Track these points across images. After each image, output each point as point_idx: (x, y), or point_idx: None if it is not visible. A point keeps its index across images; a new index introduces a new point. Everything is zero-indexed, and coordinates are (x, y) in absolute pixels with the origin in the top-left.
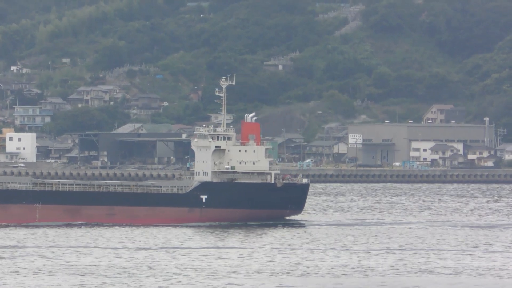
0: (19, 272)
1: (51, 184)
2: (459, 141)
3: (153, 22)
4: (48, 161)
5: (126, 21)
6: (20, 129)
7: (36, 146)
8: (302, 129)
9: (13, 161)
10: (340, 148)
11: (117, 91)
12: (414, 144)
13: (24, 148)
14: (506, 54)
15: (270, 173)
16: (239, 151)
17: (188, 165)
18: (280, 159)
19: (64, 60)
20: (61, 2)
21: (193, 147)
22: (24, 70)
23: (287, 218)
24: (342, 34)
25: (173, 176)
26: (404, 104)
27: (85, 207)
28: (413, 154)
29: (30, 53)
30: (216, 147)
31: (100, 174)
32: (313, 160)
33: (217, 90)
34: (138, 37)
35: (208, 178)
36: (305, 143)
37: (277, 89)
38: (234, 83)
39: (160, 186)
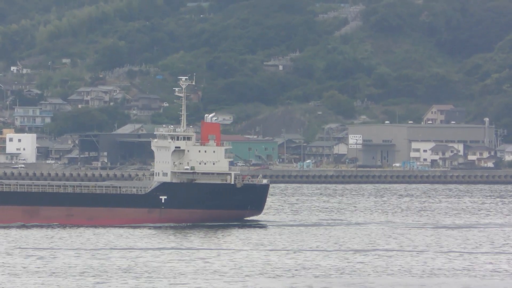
0: None
1: (9, 184)
2: (459, 141)
3: (153, 22)
4: (48, 162)
5: (126, 21)
6: (20, 130)
7: (36, 147)
8: (302, 130)
9: (13, 162)
10: (340, 149)
11: (117, 91)
12: (414, 145)
13: (24, 149)
14: (506, 54)
15: (230, 174)
16: (199, 151)
17: None
18: (280, 160)
19: (64, 60)
20: (61, 3)
21: (152, 148)
22: (24, 71)
23: (247, 218)
24: (342, 34)
25: (137, 175)
26: (404, 104)
27: (44, 208)
28: (413, 154)
29: (30, 54)
30: (175, 147)
31: (100, 175)
32: (313, 161)
33: (176, 89)
34: (138, 37)
35: (167, 179)
36: (305, 144)
37: (277, 89)
38: (193, 83)
39: (119, 187)
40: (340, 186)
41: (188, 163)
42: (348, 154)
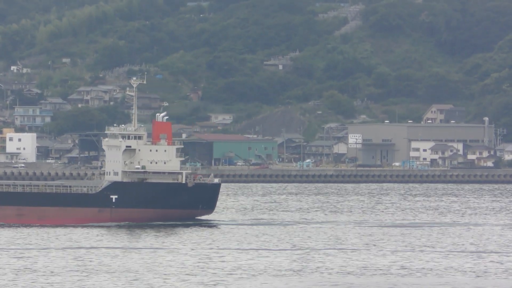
0: None
1: None
2: (458, 141)
3: (153, 22)
4: (48, 161)
5: (126, 21)
6: (20, 129)
7: (36, 146)
8: (302, 129)
9: (13, 162)
10: (340, 148)
11: (117, 91)
12: (414, 144)
13: (24, 149)
14: (505, 54)
15: (181, 173)
16: (150, 150)
17: (188, 165)
18: (280, 159)
19: (64, 60)
20: (61, 2)
21: (104, 147)
22: (24, 70)
23: (199, 218)
24: (342, 34)
25: (86, 174)
26: (404, 104)
27: None
28: (412, 154)
29: (30, 53)
30: (126, 146)
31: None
32: (313, 160)
33: (127, 89)
34: (138, 37)
35: (118, 178)
36: (305, 143)
37: (277, 89)
38: (145, 82)
39: (70, 186)
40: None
41: (139, 162)
42: (348, 153)
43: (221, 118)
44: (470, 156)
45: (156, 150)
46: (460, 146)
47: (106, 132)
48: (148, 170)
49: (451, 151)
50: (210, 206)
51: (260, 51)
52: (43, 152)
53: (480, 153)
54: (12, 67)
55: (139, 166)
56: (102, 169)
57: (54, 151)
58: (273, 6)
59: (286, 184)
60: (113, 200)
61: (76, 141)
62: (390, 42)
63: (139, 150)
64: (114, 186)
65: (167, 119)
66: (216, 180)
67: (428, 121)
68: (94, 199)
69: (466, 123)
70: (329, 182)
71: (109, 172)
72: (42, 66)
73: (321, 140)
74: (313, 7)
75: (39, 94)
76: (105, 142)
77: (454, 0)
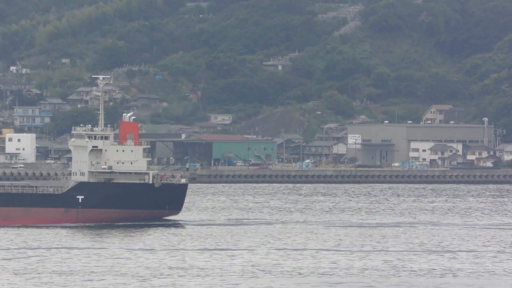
0: None
1: None
2: (458, 141)
3: (152, 22)
4: (47, 161)
5: (125, 21)
6: (19, 130)
7: (36, 146)
8: (301, 130)
9: (12, 162)
10: (339, 149)
11: (117, 91)
12: (413, 145)
13: (23, 149)
14: (505, 54)
15: (148, 173)
16: (117, 151)
17: (187, 166)
18: (280, 160)
19: (63, 60)
20: (61, 3)
21: (70, 147)
22: (24, 71)
23: (166, 218)
24: (341, 34)
25: (56, 174)
26: (403, 104)
27: None
28: (412, 154)
29: (30, 54)
30: (93, 146)
31: None
32: (313, 161)
33: (94, 88)
34: (137, 37)
35: (85, 178)
36: (304, 144)
37: (276, 89)
38: (111, 82)
39: (36, 187)
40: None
41: (105, 162)
42: (347, 154)
43: (221, 119)
44: (470, 157)
45: (123, 151)
46: (459, 147)
47: (72, 132)
48: (114, 171)
49: (451, 151)
50: (177, 206)
51: (260, 52)
52: (42, 153)
53: (480, 154)
54: (12, 68)
55: (106, 167)
56: (68, 169)
57: (54, 151)
58: (273, 7)
59: (286, 184)
60: (80, 201)
61: None
62: (390, 42)
63: (106, 150)
64: (81, 187)
65: (134, 119)
66: (183, 181)
67: (428, 122)
68: (60, 200)
69: (465, 124)
70: (328, 182)
71: (76, 173)
72: (42, 66)
73: (320, 140)
74: (312, 8)
75: (39, 95)
76: (71, 143)
77: (454, 1)
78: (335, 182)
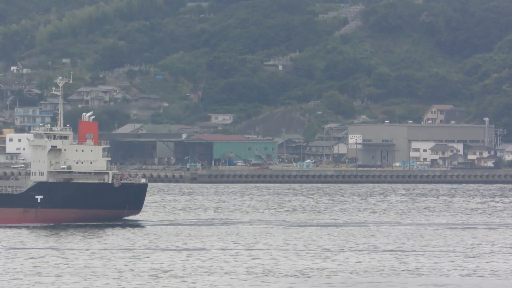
0: None
1: None
2: (459, 141)
3: (153, 22)
4: None
5: (126, 21)
6: (20, 130)
7: None
8: (302, 130)
9: (13, 162)
10: (340, 149)
11: (117, 91)
12: (414, 144)
13: (24, 149)
14: (505, 54)
15: (107, 173)
16: (76, 150)
17: (188, 166)
18: (280, 160)
19: (64, 60)
20: (61, 3)
21: (29, 147)
22: (24, 71)
23: (126, 218)
24: (341, 34)
25: (12, 174)
26: (404, 104)
27: None
28: (413, 154)
29: (30, 54)
30: (52, 146)
31: None
32: (313, 161)
33: (53, 88)
34: (138, 37)
35: (44, 178)
36: (305, 144)
37: (277, 89)
38: (71, 81)
39: None
40: (340, 186)
41: (64, 162)
42: (348, 154)
43: (221, 119)
44: (470, 157)
45: (82, 150)
46: (460, 147)
47: (31, 132)
48: (74, 170)
49: (451, 151)
50: (137, 206)
51: (260, 52)
52: None
53: (480, 154)
54: (12, 68)
55: (65, 166)
56: (28, 169)
57: None
58: (273, 7)
59: (287, 184)
60: (38, 201)
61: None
62: (390, 42)
63: (65, 150)
64: (40, 186)
65: (93, 118)
66: (143, 180)
67: (428, 122)
68: (19, 200)
69: (466, 124)
70: (329, 182)
71: (35, 172)
72: (42, 66)
73: (321, 140)
74: (313, 8)
75: (39, 95)
76: (31, 142)
77: (454, 1)
78: (335, 182)
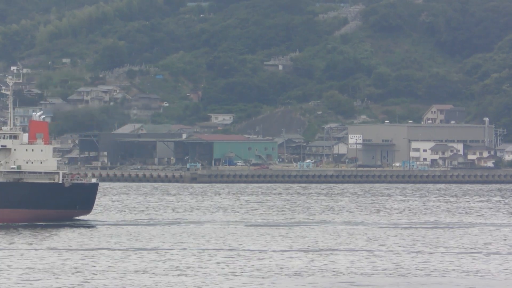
0: None
1: None
2: (459, 141)
3: (153, 22)
4: None
5: (126, 21)
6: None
7: None
8: (302, 129)
9: None
10: (340, 149)
11: (117, 91)
12: (414, 144)
13: None
14: (505, 54)
15: (58, 173)
16: (26, 150)
17: (188, 166)
18: (280, 160)
19: (64, 60)
20: (61, 3)
21: None
22: (24, 71)
23: (76, 218)
24: (342, 34)
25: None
26: (404, 104)
27: None
28: (413, 154)
29: (30, 54)
30: (1, 146)
31: (101, 174)
32: (313, 161)
33: (3, 88)
34: (138, 37)
35: None
36: (305, 144)
37: (277, 89)
38: (20, 81)
39: None
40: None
41: (14, 162)
42: (348, 153)
43: (221, 119)
44: (470, 157)
45: (32, 150)
46: (460, 147)
47: None
48: (24, 170)
49: (451, 151)
50: (87, 206)
51: (260, 51)
52: None
53: (481, 154)
54: (12, 68)
55: (15, 166)
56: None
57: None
58: (273, 6)
59: (286, 184)
60: None
61: (76, 142)
62: (390, 42)
63: (15, 149)
64: None
65: (43, 118)
66: (94, 180)
67: (428, 122)
68: None
69: (466, 124)
70: (329, 182)
71: None
72: (42, 66)
73: (321, 140)
74: (313, 7)
75: (39, 95)
76: None
77: (454, 0)
78: (335, 182)
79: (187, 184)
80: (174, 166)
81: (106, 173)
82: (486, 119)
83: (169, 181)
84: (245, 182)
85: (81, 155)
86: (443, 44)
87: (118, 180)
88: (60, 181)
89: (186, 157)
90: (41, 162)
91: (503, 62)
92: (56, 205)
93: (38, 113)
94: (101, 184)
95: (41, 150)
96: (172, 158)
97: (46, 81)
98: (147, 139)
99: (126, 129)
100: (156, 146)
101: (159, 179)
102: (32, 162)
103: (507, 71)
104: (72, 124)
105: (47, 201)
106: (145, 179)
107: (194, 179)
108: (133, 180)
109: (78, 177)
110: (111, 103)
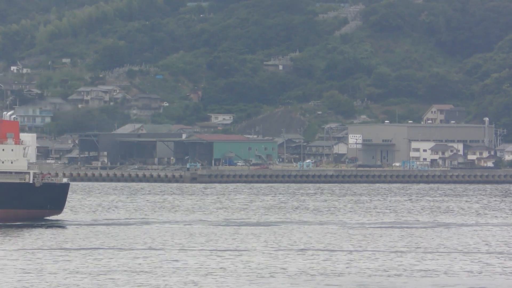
0: None
1: None
2: (459, 141)
3: (153, 22)
4: (48, 161)
5: (126, 21)
6: (20, 130)
7: (36, 146)
8: (302, 129)
9: None
10: (340, 148)
11: (117, 91)
12: (414, 144)
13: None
14: (505, 54)
15: (28, 173)
16: None
17: (188, 166)
18: (280, 160)
19: (64, 60)
20: (61, 3)
21: None
22: (24, 71)
23: (47, 218)
24: (342, 34)
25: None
26: (404, 104)
27: None
28: (413, 154)
29: (30, 54)
30: None
31: (100, 174)
32: (313, 161)
33: None
34: (138, 37)
35: None
36: (305, 144)
37: (277, 89)
38: None
39: None
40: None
41: None
42: (348, 153)
43: (221, 118)
44: (470, 157)
45: (3, 150)
46: (460, 147)
47: None
48: None
49: (451, 151)
50: (58, 206)
51: (260, 51)
52: (43, 153)
53: (481, 154)
54: (12, 67)
55: None
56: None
57: (54, 151)
58: (273, 6)
59: (286, 184)
60: None
61: (76, 142)
62: (390, 42)
63: None
64: None
65: (14, 118)
66: (65, 180)
67: (428, 121)
68: None
69: (466, 123)
70: (329, 182)
71: None
72: (42, 66)
73: (321, 140)
74: (313, 7)
75: (39, 94)
76: None
77: (454, 0)
78: (335, 182)
79: (187, 184)
80: (174, 166)
81: (106, 173)
82: (486, 119)
83: (169, 181)
84: (245, 182)
85: (81, 155)
86: (443, 44)
87: (118, 180)
88: (31, 181)
89: (186, 157)
90: (11, 162)
91: (503, 62)
92: (27, 205)
93: (9, 113)
94: (100, 184)
95: (12, 150)
96: (172, 158)
97: (46, 81)
98: (147, 139)
99: (126, 129)
100: (156, 146)
101: (159, 179)
102: (2, 162)
103: (507, 71)
104: (72, 124)
105: (18, 201)
106: (145, 179)
107: (194, 179)
108: (133, 180)
109: (49, 177)
110: (111, 103)
